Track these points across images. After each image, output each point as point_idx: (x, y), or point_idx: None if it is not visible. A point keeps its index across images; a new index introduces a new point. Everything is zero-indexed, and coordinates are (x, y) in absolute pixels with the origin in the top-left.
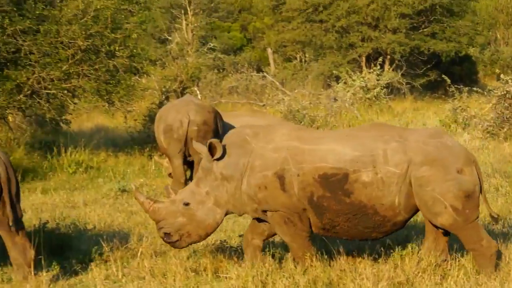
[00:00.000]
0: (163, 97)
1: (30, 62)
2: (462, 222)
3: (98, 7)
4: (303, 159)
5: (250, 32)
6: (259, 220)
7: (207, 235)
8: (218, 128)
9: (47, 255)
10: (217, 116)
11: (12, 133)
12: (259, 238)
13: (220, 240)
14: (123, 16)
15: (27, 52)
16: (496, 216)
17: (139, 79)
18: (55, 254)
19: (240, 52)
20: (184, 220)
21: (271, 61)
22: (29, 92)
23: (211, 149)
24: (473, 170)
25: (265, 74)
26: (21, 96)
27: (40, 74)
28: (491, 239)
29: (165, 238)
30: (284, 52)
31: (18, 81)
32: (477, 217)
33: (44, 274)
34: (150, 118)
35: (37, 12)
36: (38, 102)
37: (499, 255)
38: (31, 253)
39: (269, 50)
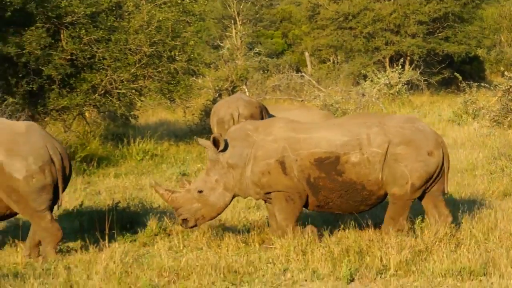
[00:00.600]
0: (216, 94)
1: (103, 66)
2: (408, 196)
3: (161, 18)
4: (299, 146)
5: (290, 38)
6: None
7: (218, 215)
8: None
9: (119, 230)
10: (263, 110)
11: (88, 127)
12: None
13: (266, 217)
14: (181, 26)
15: (101, 58)
16: (446, 193)
17: (196, 79)
18: (126, 229)
19: (281, 56)
20: (199, 205)
21: (308, 63)
22: (102, 91)
23: (215, 143)
24: (440, 152)
25: (303, 74)
26: (96, 95)
27: (112, 76)
28: (406, 218)
29: (183, 225)
30: (319, 55)
31: (93, 82)
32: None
33: (117, 246)
34: (206, 112)
35: (109, 24)
36: (111, 100)
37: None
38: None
39: (307, 54)
